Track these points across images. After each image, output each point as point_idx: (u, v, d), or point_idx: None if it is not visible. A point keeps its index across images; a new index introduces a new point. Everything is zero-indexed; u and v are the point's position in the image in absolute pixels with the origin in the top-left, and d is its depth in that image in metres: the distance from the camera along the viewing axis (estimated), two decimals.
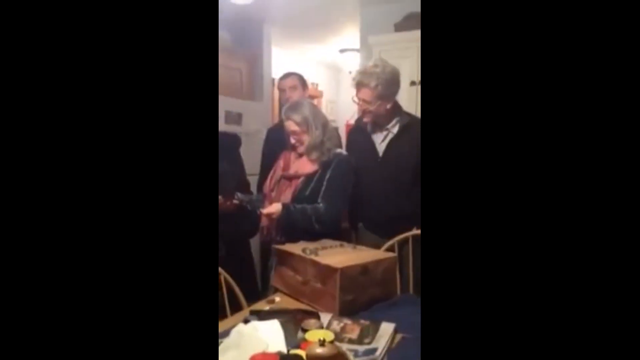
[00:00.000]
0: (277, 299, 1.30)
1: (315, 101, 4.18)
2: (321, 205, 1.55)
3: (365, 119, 1.73)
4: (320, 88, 4.40)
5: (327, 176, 1.57)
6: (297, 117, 1.58)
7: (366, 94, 1.64)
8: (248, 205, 1.69)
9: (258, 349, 0.89)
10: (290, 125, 1.60)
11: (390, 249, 1.54)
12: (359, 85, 1.66)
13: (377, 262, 1.29)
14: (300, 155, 1.63)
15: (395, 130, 1.70)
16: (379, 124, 1.72)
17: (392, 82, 1.65)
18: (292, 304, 1.26)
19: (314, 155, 1.59)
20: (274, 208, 1.53)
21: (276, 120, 3.32)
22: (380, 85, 1.62)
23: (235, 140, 2.01)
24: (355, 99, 1.69)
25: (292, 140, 1.62)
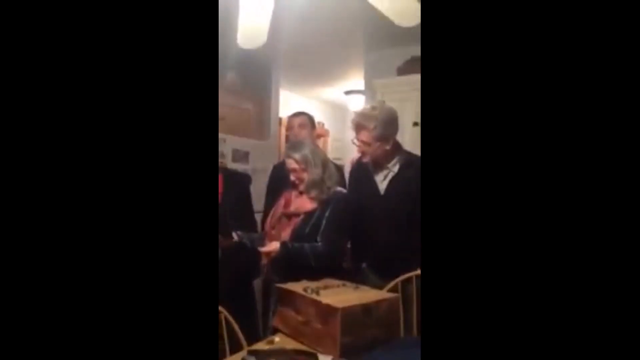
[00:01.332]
0: (277, 339, 1.28)
1: (321, 140, 4.26)
2: (319, 243, 1.55)
3: (364, 160, 1.76)
4: (326, 127, 4.50)
5: (326, 214, 1.58)
6: (297, 156, 1.62)
7: (365, 135, 1.67)
8: (248, 244, 1.70)
9: None
10: (291, 164, 1.64)
11: (394, 289, 1.53)
12: (358, 127, 1.70)
13: (379, 302, 1.27)
14: (301, 193, 1.66)
15: (396, 169, 1.72)
16: (380, 164, 1.75)
17: (389, 124, 1.69)
18: (292, 344, 1.24)
19: (313, 193, 1.61)
20: (272, 246, 1.54)
21: (281, 158, 3.38)
22: (378, 127, 1.65)
23: (244, 179, 2.05)
24: (355, 140, 1.73)
25: (292, 178, 1.65)
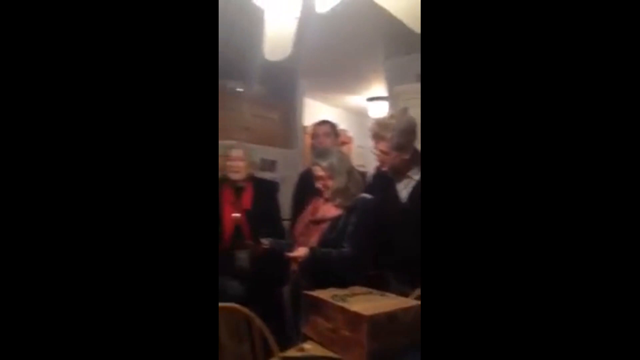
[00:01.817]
0: (308, 346, 1.30)
1: (345, 147, 4.27)
2: (346, 249, 1.57)
3: (384, 168, 1.77)
4: (350, 134, 4.51)
5: (352, 220, 1.60)
6: (323, 163, 1.65)
7: (383, 145, 1.68)
8: (277, 250, 1.73)
9: None
10: (317, 171, 1.67)
11: (419, 297, 1.52)
12: (376, 136, 1.70)
13: (406, 310, 1.27)
14: (327, 200, 1.68)
15: (417, 177, 1.72)
16: (400, 172, 1.75)
17: (407, 133, 1.68)
18: (322, 351, 1.26)
19: (338, 200, 1.64)
20: (300, 252, 1.57)
21: (307, 165, 3.41)
22: (395, 136, 1.65)
23: (273, 187, 2.09)
24: (374, 150, 1.74)
25: (319, 185, 1.68)
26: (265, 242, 1.71)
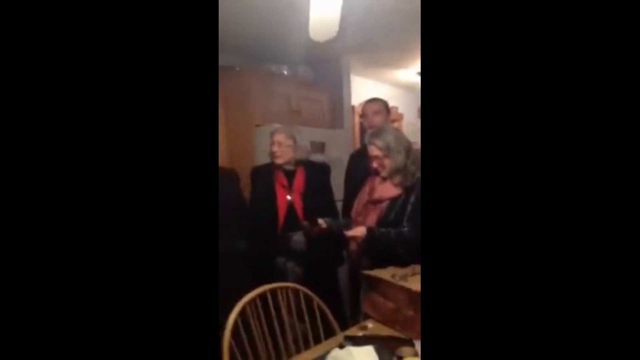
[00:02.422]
0: (370, 325, 1.31)
1: (395, 124, 4.19)
2: (405, 229, 1.55)
3: None
4: (400, 111, 4.41)
5: (411, 200, 1.57)
6: (379, 143, 1.63)
7: None
8: (335, 230, 1.75)
9: None
10: (373, 150, 1.65)
11: None
12: None
13: None
14: (384, 180, 1.66)
15: None
16: None
17: None
18: (385, 330, 1.26)
19: (397, 179, 1.61)
20: (359, 231, 1.57)
21: (357, 146, 3.38)
22: None
23: (324, 168, 2.10)
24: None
25: (375, 165, 1.66)
26: (322, 222, 1.73)
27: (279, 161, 1.95)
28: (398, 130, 1.80)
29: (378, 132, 1.68)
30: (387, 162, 1.63)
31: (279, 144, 1.94)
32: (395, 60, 3.52)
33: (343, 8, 1.50)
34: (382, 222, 1.60)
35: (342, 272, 2.14)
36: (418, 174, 1.63)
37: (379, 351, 0.99)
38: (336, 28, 1.58)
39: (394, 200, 1.61)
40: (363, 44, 2.94)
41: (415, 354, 1.00)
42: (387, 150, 1.62)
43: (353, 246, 1.66)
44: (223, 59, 2.79)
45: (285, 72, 2.97)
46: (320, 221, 1.73)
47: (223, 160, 2.57)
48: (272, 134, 1.99)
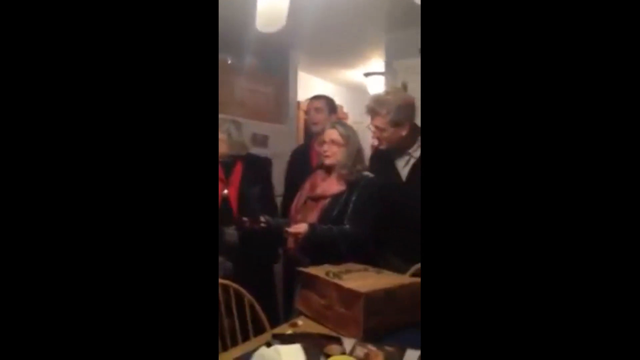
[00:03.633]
0: (300, 322, 1.29)
1: None
2: (347, 226, 1.55)
3: (381, 146, 1.75)
4: (345, 110, 4.45)
5: (354, 198, 1.58)
6: (342, 129, 1.65)
7: (379, 121, 1.66)
8: (273, 226, 1.71)
9: None
10: (332, 134, 1.64)
11: (417, 274, 1.52)
12: (372, 112, 1.69)
13: (403, 287, 1.27)
14: (328, 175, 1.65)
15: (417, 154, 1.69)
16: (399, 150, 1.72)
17: (404, 109, 1.67)
18: (315, 328, 1.25)
19: (344, 171, 1.61)
20: (301, 228, 1.54)
21: (301, 142, 3.36)
22: (391, 112, 1.64)
23: (265, 163, 2.05)
24: (371, 126, 1.71)
25: (326, 152, 1.64)
26: (262, 218, 1.69)
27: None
28: (355, 131, 1.81)
29: (341, 122, 1.71)
30: (342, 152, 1.62)
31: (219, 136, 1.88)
32: (344, 60, 3.55)
33: (293, 2, 1.46)
34: (323, 219, 1.58)
35: (277, 269, 2.12)
36: (362, 172, 1.65)
37: (306, 349, 0.98)
38: (283, 20, 1.55)
39: (336, 196, 1.61)
40: (313, 40, 2.93)
41: (343, 352, 0.99)
42: (347, 139, 1.62)
43: (291, 243, 1.64)
44: None
45: (229, 61, 2.88)
46: (262, 218, 1.69)
47: None
48: None
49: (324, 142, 1.66)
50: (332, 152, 1.63)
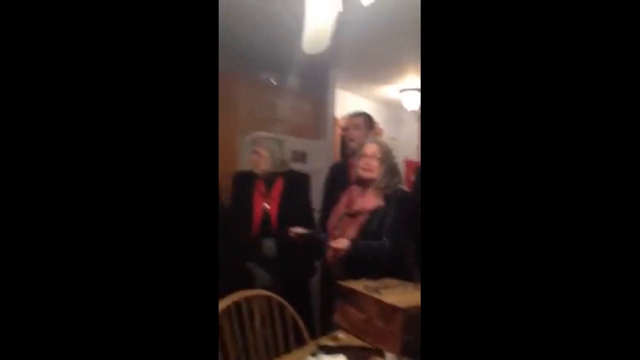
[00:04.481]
0: (341, 335, 1.32)
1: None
2: (386, 241, 1.58)
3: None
4: (381, 126, 4.48)
5: (391, 212, 1.62)
6: (382, 144, 1.71)
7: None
8: (313, 239, 1.77)
9: None
10: (372, 148, 1.69)
11: None
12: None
13: None
14: (365, 190, 1.69)
15: None
16: None
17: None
18: (355, 341, 1.28)
19: (382, 185, 1.65)
20: (343, 243, 1.58)
21: (337, 157, 3.42)
22: None
23: (305, 178, 2.12)
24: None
25: (363, 167, 1.68)
26: (302, 230, 1.74)
27: (256, 171, 1.98)
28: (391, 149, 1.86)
29: (379, 138, 1.77)
30: (380, 166, 1.67)
31: (258, 154, 1.97)
32: (380, 76, 3.60)
33: (338, 24, 1.53)
34: (362, 234, 1.62)
35: (314, 282, 2.16)
36: (398, 187, 1.69)
37: None
38: (328, 41, 1.62)
39: (374, 212, 1.64)
40: (351, 58, 2.99)
41: None
42: (385, 154, 1.68)
43: (331, 257, 1.68)
44: None
45: (273, 81, 2.99)
46: (299, 229, 1.75)
47: None
48: (254, 142, 2.02)
49: (363, 156, 1.70)
50: (371, 167, 1.67)
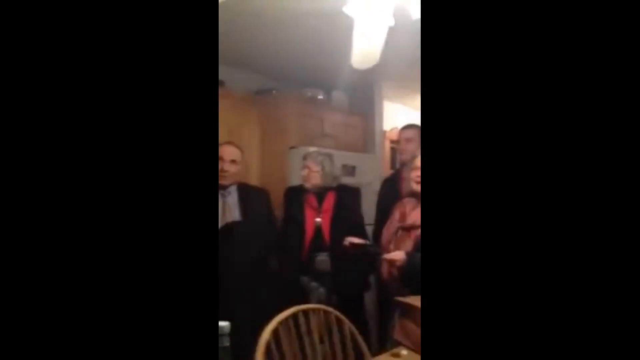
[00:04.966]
0: (404, 352, 1.30)
1: None
2: None
3: None
4: None
5: None
6: None
7: None
8: (367, 251, 1.75)
9: None
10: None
11: None
12: None
13: None
14: (418, 202, 1.66)
15: None
16: None
17: None
18: (417, 358, 1.25)
19: None
20: (398, 255, 1.57)
21: (387, 171, 3.40)
22: None
23: (356, 192, 2.13)
24: None
25: (417, 176, 1.66)
26: (358, 240, 1.73)
27: (306, 185, 2.02)
28: None
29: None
30: None
31: (309, 169, 2.00)
32: None
33: (387, 39, 1.54)
34: (419, 248, 1.60)
35: (368, 297, 2.13)
36: None
37: None
38: (378, 56, 1.63)
39: None
40: (396, 71, 2.99)
41: None
42: None
43: (385, 271, 1.66)
44: (261, 83, 2.89)
45: (320, 97, 3.04)
46: (355, 240, 1.74)
47: (257, 179, 2.64)
48: (304, 157, 2.05)
49: (415, 168, 1.68)
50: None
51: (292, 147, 2.66)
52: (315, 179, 2.01)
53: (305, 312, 1.39)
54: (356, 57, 1.65)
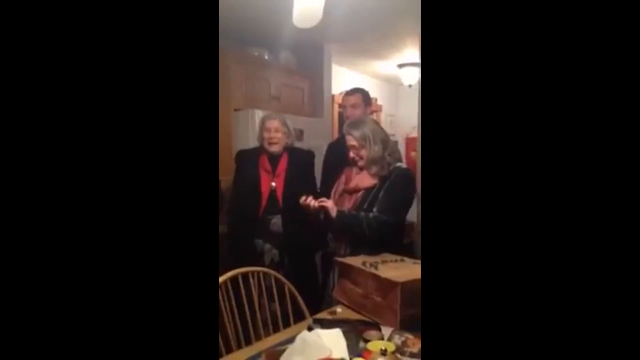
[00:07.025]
0: (339, 310, 1.34)
1: (374, 115, 4.22)
2: (375, 212, 1.59)
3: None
4: (379, 102, 4.44)
5: (386, 186, 1.62)
6: (356, 133, 1.65)
7: None
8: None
9: (322, 355, 0.94)
10: (350, 140, 1.67)
11: None
12: None
13: None
14: (361, 170, 1.68)
15: None
16: None
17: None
18: (353, 316, 1.29)
19: (374, 169, 1.64)
20: (329, 203, 1.62)
21: (336, 135, 3.40)
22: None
23: (309, 155, 2.11)
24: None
25: (352, 155, 1.68)
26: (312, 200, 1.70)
27: (274, 148, 1.97)
28: (375, 122, 1.83)
29: (355, 123, 1.70)
30: (364, 153, 1.65)
31: (276, 131, 1.95)
32: (377, 51, 3.53)
33: None
34: (356, 209, 1.63)
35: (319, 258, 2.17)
36: (395, 164, 1.67)
37: (346, 334, 1.02)
38: (320, 15, 1.58)
39: (369, 189, 1.65)
40: (346, 33, 2.93)
41: (381, 338, 1.03)
42: (364, 141, 1.64)
43: (313, 217, 1.68)
44: None
45: (266, 57, 2.94)
46: (311, 200, 1.72)
47: None
48: (264, 119, 2.00)
49: (348, 147, 1.69)
50: (358, 155, 1.66)
51: (236, 109, 2.58)
52: (282, 140, 1.97)
53: (245, 276, 1.39)
54: (297, 16, 1.59)
